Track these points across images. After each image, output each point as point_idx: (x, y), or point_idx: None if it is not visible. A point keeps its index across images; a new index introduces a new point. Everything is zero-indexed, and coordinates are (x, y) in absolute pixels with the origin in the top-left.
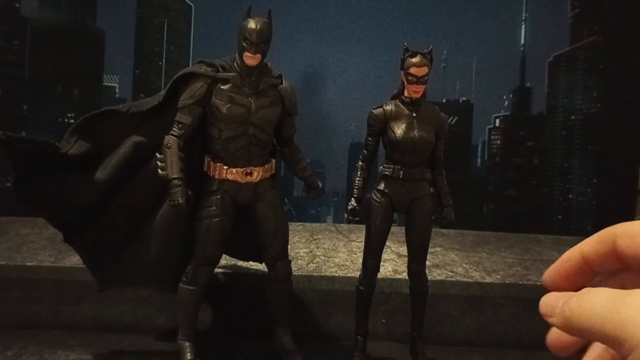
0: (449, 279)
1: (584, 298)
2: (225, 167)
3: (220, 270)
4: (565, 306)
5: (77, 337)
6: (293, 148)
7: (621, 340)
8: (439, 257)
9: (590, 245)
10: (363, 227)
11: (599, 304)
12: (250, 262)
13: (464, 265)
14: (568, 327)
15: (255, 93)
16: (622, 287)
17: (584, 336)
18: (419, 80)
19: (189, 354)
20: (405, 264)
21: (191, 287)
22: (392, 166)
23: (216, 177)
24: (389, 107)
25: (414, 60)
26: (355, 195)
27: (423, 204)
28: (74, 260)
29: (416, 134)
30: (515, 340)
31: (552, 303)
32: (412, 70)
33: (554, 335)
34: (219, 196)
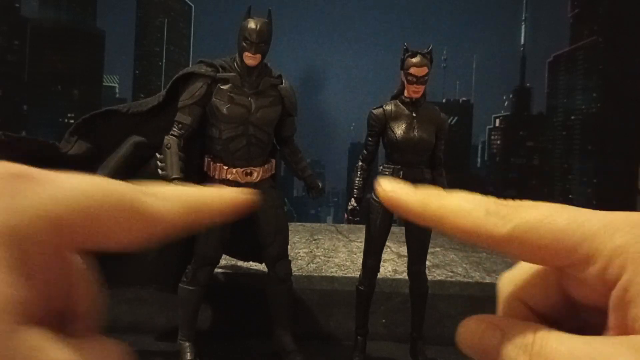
0: (449, 279)
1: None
2: (225, 167)
3: (220, 270)
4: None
5: None
6: (293, 148)
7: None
8: (439, 257)
9: None
10: (363, 227)
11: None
12: (250, 262)
13: (464, 265)
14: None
15: (255, 93)
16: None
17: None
18: (418, 80)
19: (189, 354)
20: (405, 264)
21: (191, 287)
22: (392, 166)
23: (216, 177)
24: (389, 107)
25: (414, 60)
26: (355, 196)
27: None
28: None
29: (416, 134)
30: None
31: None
32: (412, 70)
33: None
34: None
